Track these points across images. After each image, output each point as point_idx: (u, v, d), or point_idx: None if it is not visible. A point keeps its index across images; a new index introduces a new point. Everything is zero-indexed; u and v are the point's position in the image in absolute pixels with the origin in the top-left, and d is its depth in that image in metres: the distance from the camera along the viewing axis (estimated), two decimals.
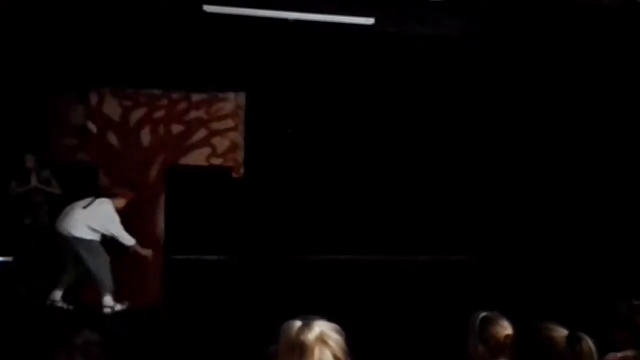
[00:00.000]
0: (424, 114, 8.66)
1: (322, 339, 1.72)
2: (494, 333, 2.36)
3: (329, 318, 1.81)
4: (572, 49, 7.63)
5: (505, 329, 2.37)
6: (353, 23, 6.85)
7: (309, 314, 1.81)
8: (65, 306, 6.12)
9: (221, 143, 6.81)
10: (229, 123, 6.83)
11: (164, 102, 6.69)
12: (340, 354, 1.73)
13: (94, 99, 6.57)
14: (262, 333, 2.03)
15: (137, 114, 6.64)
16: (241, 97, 6.91)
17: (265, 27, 7.16)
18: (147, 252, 6.38)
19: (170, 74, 7.19)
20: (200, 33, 7.45)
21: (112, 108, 6.59)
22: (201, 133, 6.75)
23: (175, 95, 6.74)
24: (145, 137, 6.65)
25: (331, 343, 1.73)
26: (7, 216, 6.89)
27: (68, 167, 6.82)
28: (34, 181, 6.80)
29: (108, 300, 6.05)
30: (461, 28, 7.24)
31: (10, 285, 6.65)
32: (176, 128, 6.70)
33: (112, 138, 6.58)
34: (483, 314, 2.43)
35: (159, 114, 6.67)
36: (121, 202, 6.27)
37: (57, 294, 6.14)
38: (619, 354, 2.64)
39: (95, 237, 6.06)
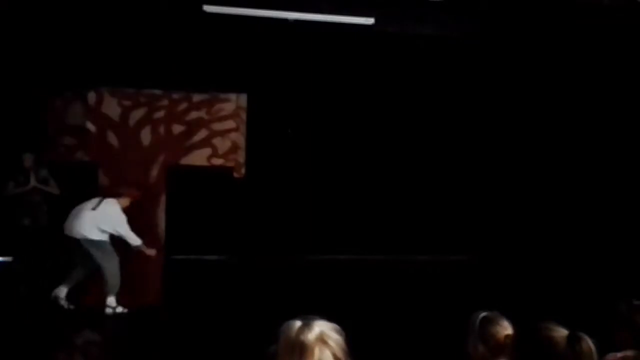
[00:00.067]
0: (424, 114, 8.66)
1: (322, 339, 1.72)
2: (494, 333, 2.36)
3: (329, 318, 1.81)
4: (572, 49, 7.63)
5: (505, 329, 2.37)
6: (353, 23, 6.85)
7: (309, 314, 1.81)
8: (66, 305, 6.12)
9: (222, 144, 6.81)
10: (230, 124, 6.83)
11: (165, 102, 6.68)
12: (340, 354, 1.73)
13: (92, 98, 6.55)
14: (262, 333, 2.03)
15: (137, 114, 6.63)
16: (242, 98, 6.90)
17: (265, 27, 7.16)
18: (151, 252, 6.43)
19: (170, 74, 7.19)
20: (200, 33, 7.45)
21: (111, 108, 6.58)
22: (202, 133, 6.75)
23: (175, 96, 6.73)
24: (146, 137, 6.64)
25: (331, 343, 1.73)
26: (5, 217, 6.87)
27: (67, 166, 6.81)
28: (32, 181, 6.77)
29: (111, 301, 6.06)
30: (461, 28, 7.24)
31: (10, 286, 6.66)
32: (177, 128, 6.69)
33: (112, 138, 6.58)
34: (483, 314, 2.43)
35: (160, 114, 6.67)
36: (126, 202, 6.30)
37: (63, 291, 6.15)
38: (619, 354, 2.64)
39: (105, 237, 6.11)
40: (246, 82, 7.42)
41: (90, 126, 6.54)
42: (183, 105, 6.72)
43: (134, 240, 6.21)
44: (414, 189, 8.69)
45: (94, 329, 5.89)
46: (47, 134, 6.71)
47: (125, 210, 6.25)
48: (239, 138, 6.88)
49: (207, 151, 6.77)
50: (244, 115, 6.91)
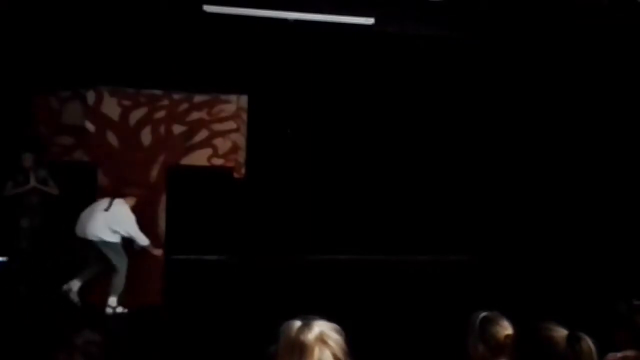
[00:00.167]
0: (424, 114, 8.66)
1: (322, 339, 1.72)
2: (494, 333, 2.36)
3: (329, 318, 1.81)
4: (572, 49, 7.63)
5: (505, 329, 2.37)
6: (353, 23, 6.85)
7: (309, 314, 1.81)
8: (77, 299, 6.14)
9: (223, 144, 6.79)
10: (231, 125, 6.81)
11: (165, 102, 6.67)
12: (340, 354, 1.73)
13: (91, 98, 6.54)
14: (262, 333, 2.03)
15: (138, 114, 6.61)
16: (243, 100, 6.90)
17: (265, 27, 7.16)
18: (158, 252, 6.50)
19: (171, 75, 7.19)
20: (200, 33, 7.45)
21: (110, 107, 6.56)
22: (203, 134, 6.73)
23: (176, 96, 6.72)
24: (146, 137, 6.63)
25: (331, 343, 1.73)
26: (4, 217, 6.86)
27: (66, 166, 6.80)
28: (32, 181, 6.76)
29: (112, 301, 6.07)
30: (461, 28, 7.24)
31: (9, 286, 6.66)
32: (177, 128, 6.68)
33: (112, 138, 6.56)
34: (483, 314, 2.43)
35: (160, 114, 6.65)
36: (132, 202, 6.32)
37: (76, 285, 6.17)
38: (619, 354, 2.64)
39: (117, 239, 6.14)
40: (247, 84, 7.42)
41: (90, 126, 6.53)
42: (184, 106, 6.71)
43: (143, 240, 6.25)
44: (413, 189, 8.69)
45: (94, 328, 5.89)
46: (46, 134, 6.69)
47: (132, 210, 6.28)
48: (240, 139, 6.87)
49: (207, 151, 6.76)
50: (244, 116, 6.90)
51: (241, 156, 6.89)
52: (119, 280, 6.09)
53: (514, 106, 8.53)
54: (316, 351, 1.70)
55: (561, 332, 1.95)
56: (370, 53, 8.08)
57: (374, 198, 8.60)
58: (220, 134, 6.78)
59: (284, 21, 6.86)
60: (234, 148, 6.83)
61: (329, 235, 8.36)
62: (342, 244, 8.31)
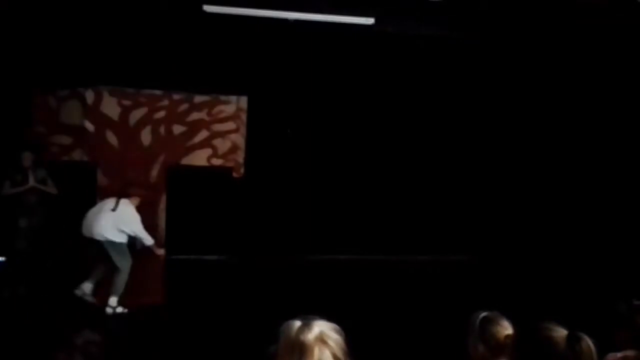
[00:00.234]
0: (424, 114, 8.66)
1: (321, 339, 1.72)
2: (494, 333, 2.36)
3: (329, 318, 1.81)
4: (572, 49, 7.63)
5: (505, 329, 2.37)
6: (353, 23, 6.85)
7: (309, 314, 1.81)
8: (92, 300, 6.16)
9: (222, 144, 6.80)
10: (231, 125, 6.82)
11: (165, 102, 6.67)
12: (340, 354, 1.73)
13: (90, 98, 6.54)
14: (262, 333, 2.03)
15: (138, 114, 6.61)
16: (243, 101, 6.90)
17: (265, 27, 7.16)
18: (161, 252, 6.54)
19: (171, 75, 7.19)
20: (200, 33, 7.45)
21: (110, 107, 6.56)
22: (202, 134, 6.74)
23: (176, 97, 6.72)
24: (146, 137, 6.63)
25: (331, 343, 1.73)
26: (2, 217, 6.85)
27: (65, 166, 6.79)
28: (31, 181, 6.75)
29: (113, 301, 6.07)
30: (461, 28, 7.24)
31: (9, 286, 6.65)
32: (177, 129, 6.68)
33: (112, 138, 6.56)
34: (483, 314, 2.43)
35: (160, 114, 6.65)
36: (136, 202, 6.33)
37: (88, 287, 6.19)
38: (619, 354, 2.64)
39: (124, 239, 6.15)
40: (247, 85, 7.42)
41: (89, 125, 6.52)
42: (184, 106, 6.72)
43: (149, 240, 6.28)
44: (414, 189, 8.69)
45: (94, 328, 5.89)
46: (45, 134, 6.68)
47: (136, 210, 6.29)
48: (239, 139, 6.88)
49: (207, 152, 6.76)
50: (244, 117, 6.90)
51: (240, 156, 6.90)
52: (121, 281, 6.09)
53: (514, 106, 8.54)
54: (316, 351, 1.70)
55: (561, 332, 1.95)
56: (370, 53, 8.08)
57: (374, 198, 8.60)
58: (219, 134, 6.79)
59: (284, 21, 6.87)
60: (234, 148, 6.84)
61: (329, 235, 8.37)
62: (342, 244, 8.32)
